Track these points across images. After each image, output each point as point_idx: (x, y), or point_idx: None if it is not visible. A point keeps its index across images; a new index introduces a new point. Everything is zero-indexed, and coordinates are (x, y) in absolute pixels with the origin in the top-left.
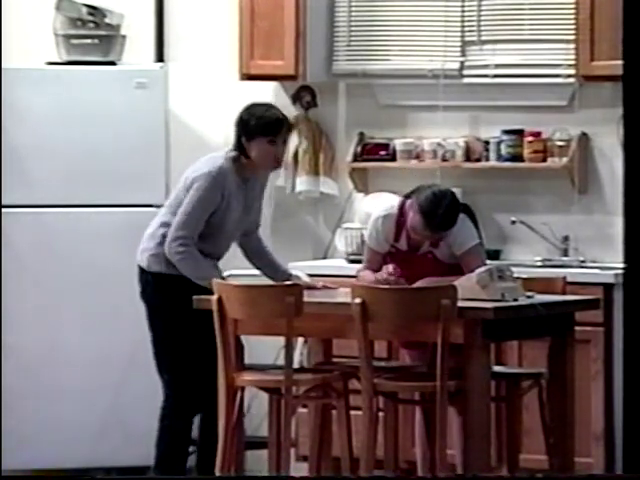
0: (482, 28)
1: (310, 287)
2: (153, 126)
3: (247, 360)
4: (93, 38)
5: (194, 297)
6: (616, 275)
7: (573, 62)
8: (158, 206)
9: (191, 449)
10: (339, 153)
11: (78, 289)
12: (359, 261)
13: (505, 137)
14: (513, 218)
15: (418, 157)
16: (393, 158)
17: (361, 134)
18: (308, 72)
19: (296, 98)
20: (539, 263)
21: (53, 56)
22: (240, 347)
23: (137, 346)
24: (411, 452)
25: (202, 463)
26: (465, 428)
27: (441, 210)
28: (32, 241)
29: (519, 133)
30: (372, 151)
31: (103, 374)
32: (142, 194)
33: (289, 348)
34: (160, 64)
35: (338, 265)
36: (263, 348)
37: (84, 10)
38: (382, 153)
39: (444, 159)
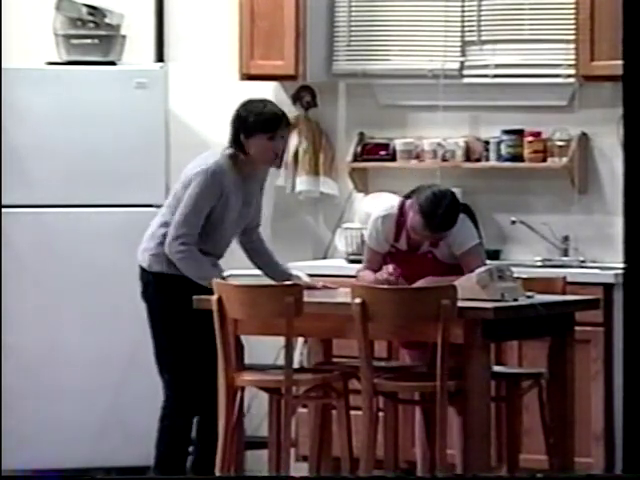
0: (482, 28)
1: (310, 287)
2: (153, 126)
3: (247, 360)
4: (93, 38)
5: (194, 297)
6: (616, 275)
7: (573, 62)
8: (158, 206)
9: (190, 449)
10: (339, 153)
11: (78, 289)
12: (359, 261)
13: (505, 137)
14: (513, 218)
15: (418, 157)
16: (393, 158)
17: (361, 134)
18: (308, 72)
19: (296, 98)
20: (539, 263)
21: (53, 56)
22: (240, 347)
23: (137, 346)
24: (411, 452)
25: (201, 463)
26: (465, 428)
27: (441, 210)
28: (32, 241)
29: (519, 133)
30: (372, 151)
31: (103, 374)
32: (142, 194)
33: (289, 348)
34: (160, 64)
35: (338, 265)
36: (263, 348)
37: (84, 10)
38: (382, 153)
39: (444, 159)
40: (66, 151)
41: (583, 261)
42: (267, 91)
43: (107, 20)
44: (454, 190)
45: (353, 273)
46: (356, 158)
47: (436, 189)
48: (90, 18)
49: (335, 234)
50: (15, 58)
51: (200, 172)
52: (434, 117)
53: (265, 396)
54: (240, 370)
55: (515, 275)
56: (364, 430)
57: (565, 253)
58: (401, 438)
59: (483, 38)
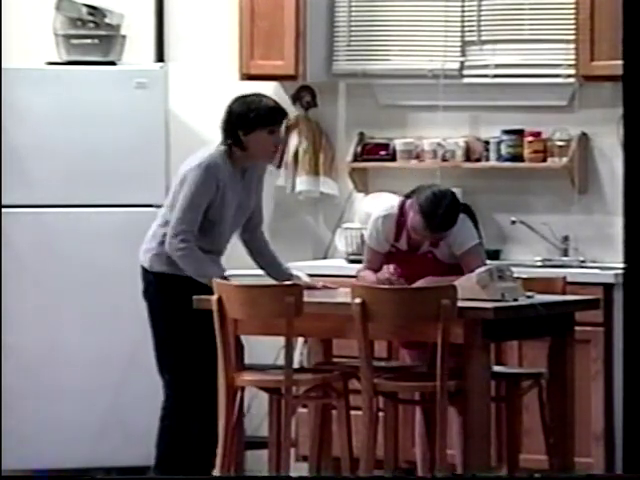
0: (482, 28)
1: (310, 287)
2: (153, 126)
3: (247, 360)
4: (93, 38)
5: (194, 297)
6: (616, 275)
7: (573, 62)
8: (158, 206)
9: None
10: (339, 153)
11: (78, 289)
12: (359, 261)
13: (505, 137)
14: (513, 218)
15: (418, 157)
16: (393, 158)
17: (361, 134)
18: (308, 72)
19: (296, 98)
20: (539, 263)
21: (53, 56)
22: (240, 347)
23: (137, 346)
24: (411, 452)
25: (201, 463)
26: (465, 428)
27: (441, 210)
28: (32, 241)
29: (519, 133)
30: (372, 151)
31: (103, 374)
32: (142, 194)
33: (289, 348)
34: (160, 64)
35: (338, 265)
36: (263, 348)
37: (84, 10)
38: (382, 153)
39: (444, 159)
40: (66, 151)
41: (583, 261)
42: (267, 91)
43: (107, 20)
44: (454, 190)
45: (353, 273)
46: (356, 158)
47: (436, 189)
48: (90, 18)
49: (335, 234)
50: (15, 58)
51: (194, 167)
52: (434, 117)
53: (265, 396)
54: (240, 370)
55: (515, 275)
56: (364, 430)
57: (565, 253)
58: (401, 438)
59: (483, 38)
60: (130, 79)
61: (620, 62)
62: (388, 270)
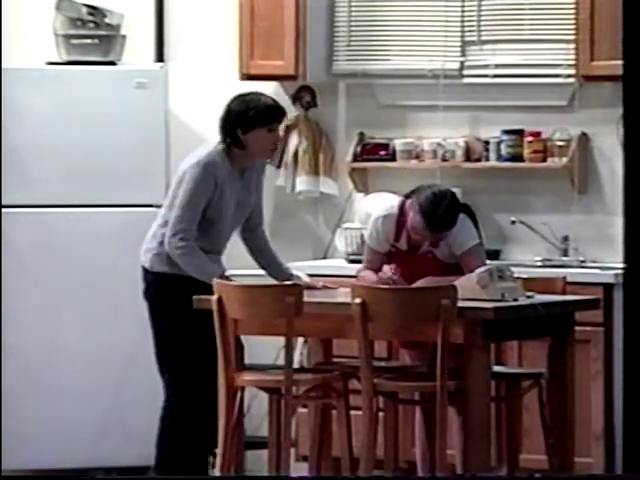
0: (482, 28)
1: (310, 287)
2: (153, 126)
3: (247, 360)
4: (93, 38)
5: (194, 297)
6: (616, 275)
7: (573, 62)
8: (158, 206)
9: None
10: (339, 153)
11: (78, 289)
12: (359, 261)
13: (505, 137)
14: (513, 218)
15: (418, 157)
16: (393, 158)
17: (361, 134)
18: (308, 72)
19: (296, 98)
20: (539, 263)
21: (53, 56)
22: (240, 347)
23: (137, 346)
24: (411, 452)
25: (200, 463)
26: (465, 428)
27: (441, 210)
28: (32, 241)
29: (519, 133)
30: (372, 151)
31: (103, 374)
32: (142, 194)
33: (289, 348)
34: (160, 64)
35: (338, 265)
36: (263, 348)
37: (84, 10)
38: (382, 153)
39: (444, 159)
40: (66, 151)
41: (583, 261)
42: (267, 91)
43: (107, 20)
44: (454, 190)
45: (353, 273)
46: (356, 158)
47: (436, 189)
48: (90, 18)
49: (335, 234)
50: (15, 58)
51: (193, 165)
52: (434, 117)
53: (265, 396)
54: (240, 370)
55: (515, 275)
56: (364, 430)
57: (565, 253)
58: (401, 438)
59: (483, 38)
60: (130, 79)
61: (620, 62)
62: (391, 270)
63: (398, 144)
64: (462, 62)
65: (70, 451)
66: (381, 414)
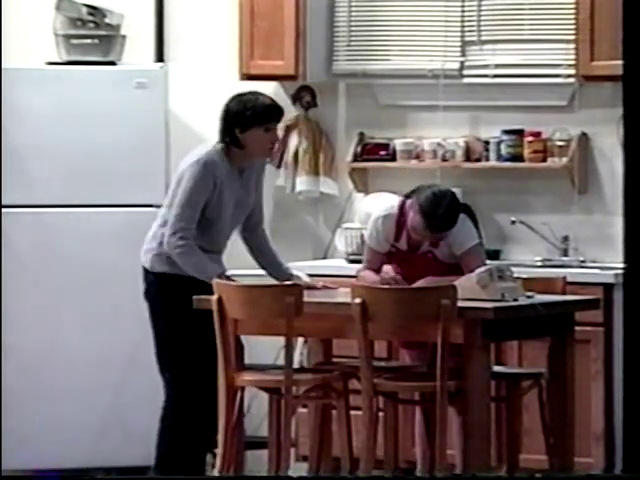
0: (482, 28)
1: (310, 287)
2: (153, 126)
3: (247, 360)
4: (93, 38)
5: (194, 297)
6: (616, 275)
7: (573, 62)
8: (158, 206)
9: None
10: (339, 153)
11: (78, 289)
12: (359, 261)
13: (505, 137)
14: (513, 218)
15: (418, 157)
16: (393, 158)
17: (361, 134)
18: (308, 72)
19: (296, 98)
20: (539, 263)
21: (53, 56)
22: (240, 347)
23: (137, 346)
24: (411, 452)
25: (200, 463)
26: (465, 428)
27: (441, 210)
28: (32, 241)
29: (519, 133)
30: (372, 151)
31: (103, 374)
32: (142, 194)
33: (289, 348)
34: (160, 64)
35: (338, 265)
36: (263, 348)
37: (84, 10)
38: (382, 153)
39: (444, 159)
40: (66, 151)
41: (583, 261)
42: (267, 91)
43: (107, 20)
44: (454, 190)
45: (353, 273)
46: (356, 158)
47: (436, 189)
48: (90, 18)
49: (335, 234)
50: (15, 58)
51: (192, 164)
52: (434, 117)
53: (265, 396)
54: (240, 370)
55: (515, 275)
56: (364, 430)
57: (565, 253)
58: (401, 438)
59: (483, 38)
60: (130, 79)
61: (620, 62)
62: (394, 270)
63: (398, 144)
64: (462, 62)
65: (70, 451)
66: (381, 414)
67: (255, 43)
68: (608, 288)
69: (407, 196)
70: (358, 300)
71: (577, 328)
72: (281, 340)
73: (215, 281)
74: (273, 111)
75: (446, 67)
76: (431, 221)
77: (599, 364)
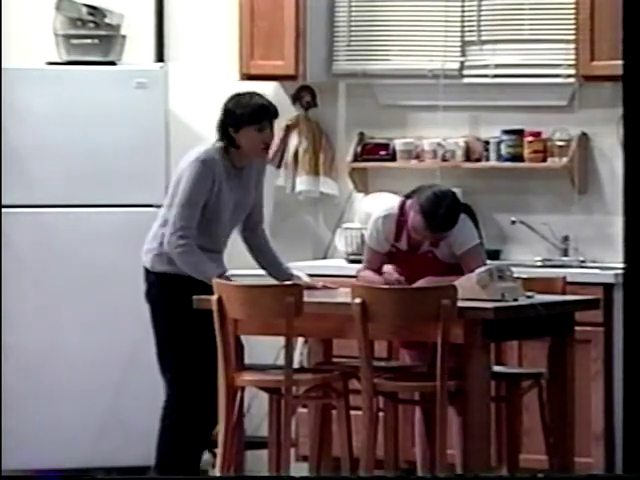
0: (482, 28)
1: (310, 287)
2: (153, 126)
3: (247, 360)
4: (93, 38)
5: (194, 297)
6: (616, 275)
7: (573, 62)
8: (158, 206)
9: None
10: (339, 153)
11: (78, 289)
12: (359, 261)
13: (505, 137)
14: (513, 218)
15: (418, 157)
16: (393, 158)
17: (361, 134)
18: (308, 72)
19: (296, 98)
20: (539, 263)
21: (53, 56)
22: (240, 347)
23: (137, 346)
24: (411, 452)
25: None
26: (465, 428)
27: (442, 210)
28: (32, 241)
29: (519, 133)
30: (372, 151)
31: (103, 374)
32: (142, 194)
33: (289, 348)
34: (160, 64)
35: (338, 265)
36: (263, 348)
37: (84, 10)
38: (382, 153)
39: (444, 159)
40: (66, 151)
41: (583, 261)
42: (267, 91)
43: (107, 20)
44: (454, 190)
45: (353, 273)
46: (356, 158)
47: (437, 189)
48: (90, 18)
49: (335, 234)
50: (15, 58)
51: (191, 162)
52: (434, 117)
53: (265, 396)
54: (240, 370)
55: (515, 275)
56: (364, 430)
57: (565, 253)
58: (401, 438)
59: (483, 38)
60: (130, 79)
61: (620, 62)
62: (397, 271)
63: (398, 144)
64: (462, 62)
65: (70, 451)
66: (381, 414)
67: (255, 43)
68: (608, 288)
69: (407, 196)
70: (358, 300)
71: (577, 328)
72: (281, 340)
73: (215, 281)
74: (265, 111)
75: (446, 67)
76: (432, 221)
77: (599, 364)
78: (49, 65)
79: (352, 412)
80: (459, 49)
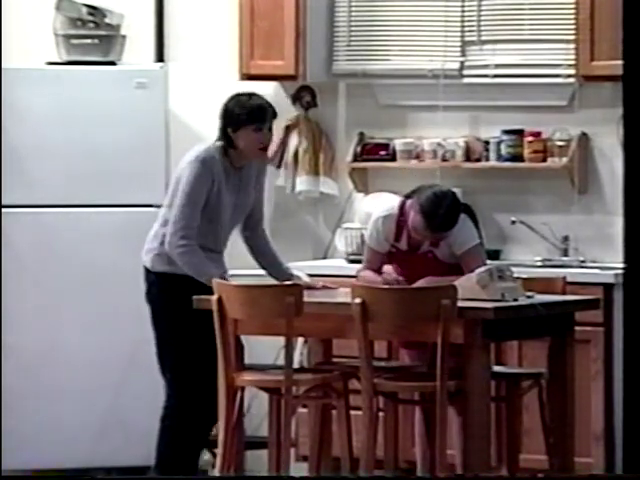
0: (482, 28)
1: (310, 287)
2: (153, 126)
3: (247, 360)
4: (93, 38)
5: (194, 297)
6: (616, 275)
7: (573, 62)
8: (158, 206)
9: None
10: (339, 153)
11: (78, 289)
12: (359, 261)
13: (505, 137)
14: (513, 218)
15: (418, 157)
16: (393, 158)
17: (361, 134)
18: (308, 72)
19: (296, 98)
20: (539, 263)
21: (53, 56)
22: (240, 347)
23: (137, 346)
24: (411, 452)
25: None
26: (465, 428)
27: (442, 210)
28: (32, 241)
29: (519, 133)
30: (372, 151)
31: (103, 374)
32: (142, 194)
33: (289, 348)
34: (160, 64)
35: (338, 265)
36: (263, 348)
37: (84, 10)
38: (382, 153)
39: (444, 159)
40: (66, 151)
41: (583, 261)
42: (267, 91)
43: (107, 20)
44: (454, 190)
45: (353, 273)
46: (356, 158)
47: (437, 189)
48: (90, 18)
49: (335, 234)
50: (15, 58)
51: (191, 161)
52: (434, 117)
53: (265, 396)
54: (240, 370)
55: (515, 275)
56: (364, 430)
57: (565, 253)
58: (401, 438)
59: (483, 38)
60: (130, 79)
61: (620, 62)
62: (393, 270)
63: (398, 144)
64: (462, 62)
65: (70, 451)
66: (381, 414)
67: (255, 43)
68: (608, 288)
69: (407, 196)
70: (358, 300)
71: (577, 328)
72: (281, 340)
73: (215, 281)
74: (262, 112)
75: (446, 67)
76: (432, 221)
77: (599, 364)
78: (49, 65)
79: (352, 412)
80: (459, 49)
